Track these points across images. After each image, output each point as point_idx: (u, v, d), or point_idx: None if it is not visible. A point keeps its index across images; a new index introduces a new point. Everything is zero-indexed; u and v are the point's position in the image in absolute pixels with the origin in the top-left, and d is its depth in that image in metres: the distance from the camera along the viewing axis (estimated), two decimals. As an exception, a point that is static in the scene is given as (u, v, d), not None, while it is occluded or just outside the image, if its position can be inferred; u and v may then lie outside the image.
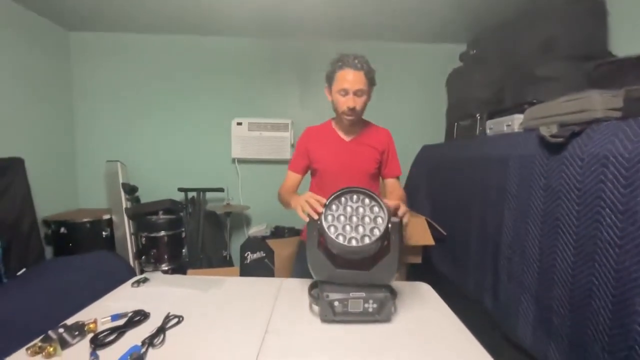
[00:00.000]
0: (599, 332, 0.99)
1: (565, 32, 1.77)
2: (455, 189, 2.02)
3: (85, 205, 2.93)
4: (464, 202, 1.88)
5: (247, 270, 2.36)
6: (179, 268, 2.47)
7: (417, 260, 2.20)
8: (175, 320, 0.89)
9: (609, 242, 0.97)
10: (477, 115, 2.13)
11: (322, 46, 2.90)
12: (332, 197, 0.93)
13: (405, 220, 0.97)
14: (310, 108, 3.01)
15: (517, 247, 1.39)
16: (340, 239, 0.89)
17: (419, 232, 2.09)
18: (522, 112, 1.55)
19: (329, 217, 0.92)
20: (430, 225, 2.12)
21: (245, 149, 2.88)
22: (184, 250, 2.58)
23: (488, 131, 1.94)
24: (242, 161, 2.96)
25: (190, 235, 2.59)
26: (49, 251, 2.49)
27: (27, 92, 2.41)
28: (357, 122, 1.37)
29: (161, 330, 0.82)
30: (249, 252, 2.42)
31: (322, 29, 2.72)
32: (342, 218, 0.93)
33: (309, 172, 1.46)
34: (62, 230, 2.42)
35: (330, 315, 0.90)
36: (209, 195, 2.74)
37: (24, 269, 1.96)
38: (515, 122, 1.66)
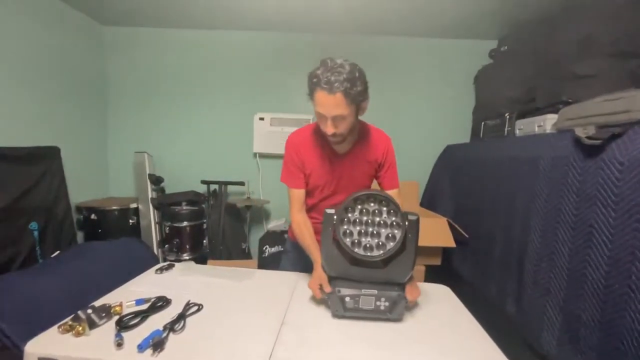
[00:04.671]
0: (633, 347, 0.93)
1: (608, 27, 1.65)
2: (480, 190, 1.96)
3: (114, 194, 3.07)
4: (489, 204, 1.81)
5: (265, 263, 2.40)
6: (199, 258, 2.54)
7: (437, 262, 2.15)
8: (195, 308, 0.92)
9: (648, 252, 0.91)
10: (506, 114, 2.05)
11: (346, 41, 2.87)
12: (348, 201, 0.91)
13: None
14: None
15: (545, 253, 1.33)
16: (356, 248, 0.89)
17: (440, 234, 2.04)
18: (555, 112, 1.48)
19: (345, 223, 0.91)
20: (451, 227, 2.07)
21: (267, 144, 2.90)
22: (204, 241, 2.65)
23: (517, 131, 1.86)
24: (263, 156, 2.99)
25: (212, 226, 2.65)
26: (80, 236, 2.62)
27: (63, 84, 2.53)
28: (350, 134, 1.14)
29: (182, 316, 0.85)
30: (268, 246, 2.45)
31: (347, 24, 2.69)
32: (357, 224, 0.91)
33: None
34: (93, 216, 2.54)
35: (341, 310, 0.89)
36: (230, 188, 2.80)
37: (57, 252, 2.08)
38: (547, 122, 1.58)
